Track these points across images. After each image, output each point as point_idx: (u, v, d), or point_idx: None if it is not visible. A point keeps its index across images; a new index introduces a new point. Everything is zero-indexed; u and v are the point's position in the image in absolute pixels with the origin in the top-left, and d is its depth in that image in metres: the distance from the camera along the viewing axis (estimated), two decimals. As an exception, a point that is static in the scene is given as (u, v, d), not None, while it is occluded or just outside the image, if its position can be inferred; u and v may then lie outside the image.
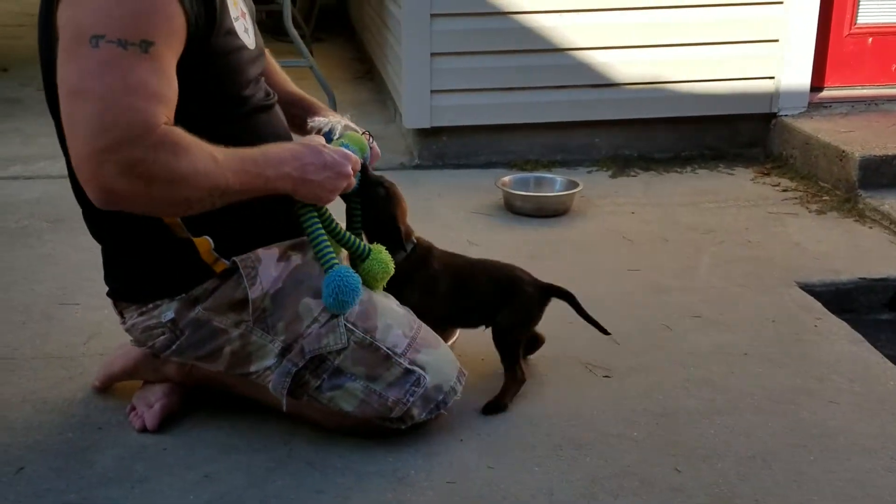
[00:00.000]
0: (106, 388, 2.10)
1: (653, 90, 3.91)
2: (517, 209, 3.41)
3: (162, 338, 1.80)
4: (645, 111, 3.95)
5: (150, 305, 1.79)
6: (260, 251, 1.78)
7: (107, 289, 1.89)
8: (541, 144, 4.02)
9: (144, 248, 1.76)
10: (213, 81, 1.66)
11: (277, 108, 1.89)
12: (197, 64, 1.59)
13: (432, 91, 3.87)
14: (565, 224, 3.27)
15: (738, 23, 3.86)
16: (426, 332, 1.91)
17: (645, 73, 3.89)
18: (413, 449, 1.89)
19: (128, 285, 1.83)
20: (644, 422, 2.01)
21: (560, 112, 3.94)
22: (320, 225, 1.77)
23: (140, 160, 1.45)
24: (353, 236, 1.84)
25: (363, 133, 1.92)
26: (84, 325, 2.45)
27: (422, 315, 1.94)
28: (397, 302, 1.95)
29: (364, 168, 1.85)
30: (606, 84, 3.89)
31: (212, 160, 1.53)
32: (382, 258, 1.84)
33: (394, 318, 1.85)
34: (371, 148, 1.93)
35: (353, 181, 1.77)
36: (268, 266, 1.77)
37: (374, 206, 1.90)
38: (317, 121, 1.92)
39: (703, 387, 2.16)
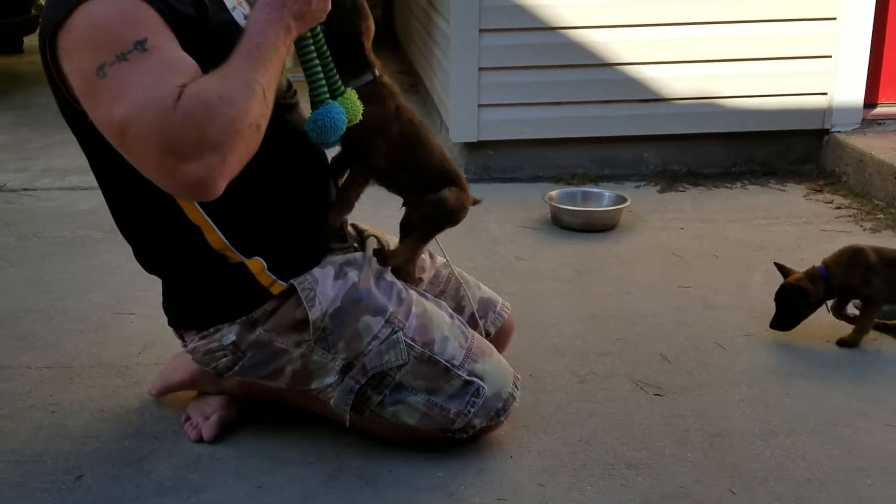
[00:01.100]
0: (162, 396, 2.13)
1: (703, 105, 3.89)
2: (565, 224, 3.40)
3: (224, 360, 1.82)
4: (694, 126, 3.92)
5: (211, 329, 1.81)
6: (316, 271, 1.79)
7: (160, 299, 1.92)
8: (588, 159, 4.02)
9: (200, 276, 1.78)
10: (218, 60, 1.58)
11: (300, 109, 1.87)
12: (200, 57, 1.55)
13: (480, 105, 3.88)
14: (613, 239, 3.26)
15: (790, 38, 3.83)
16: (479, 340, 1.92)
17: (695, 88, 3.86)
18: (463, 464, 1.89)
19: (187, 314, 1.85)
20: (698, 442, 1.98)
21: (608, 127, 3.93)
22: (316, 56, 1.68)
23: (188, 140, 1.43)
24: (333, 71, 1.73)
25: None
26: (139, 334, 2.49)
27: (373, 160, 1.81)
28: (448, 310, 1.95)
29: None
30: (655, 99, 3.88)
31: (231, 81, 1.48)
32: (354, 101, 1.72)
33: (449, 330, 1.86)
34: None
35: None
36: (325, 285, 1.78)
37: (338, 18, 1.71)
38: None
39: (757, 407, 2.13)
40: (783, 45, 3.83)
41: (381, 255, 1.90)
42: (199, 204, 1.69)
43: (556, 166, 4.02)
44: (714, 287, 2.83)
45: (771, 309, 2.48)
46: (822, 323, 2.56)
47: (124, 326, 2.55)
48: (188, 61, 1.51)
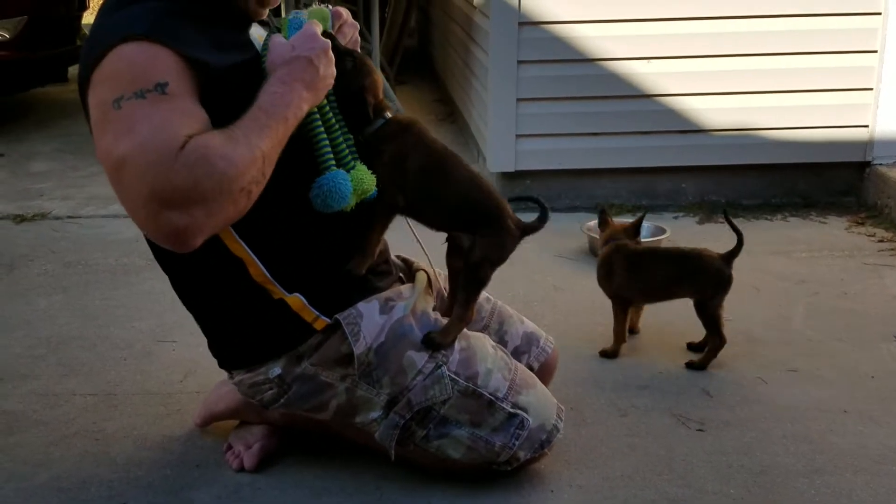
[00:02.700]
0: (207, 425, 2.14)
1: (742, 136, 3.87)
2: (603, 255, 3.38)
3: (269, 392, 1.83)
4: (734, 157, 3.91)
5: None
6: (361, 305, 1.80)
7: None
8: (626, 189, 4.01)
9: (242, 313, 1.80)
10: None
11: None
12: (230, 104, 1.59)
13: (517, 135, 3.90)
14: (652, 271, 3.24)
15: (831, 70, 3.81)
16: (523, 371, 1.92)
17: (735, 120, 3.85)
18: (503, 499, 1.88)
19: (236, 354, 1.87)
20: (741, 478, 1.96)
21: (646, 157, 3.93)
22: (322, 126, 1.71)
23: (180, 190, 1.45)
24: (344, 142, 1.75)
25: (329, 6, 1.82)
26: (181, 362, 2.52)
27: (387, 197, 1.80)
28: (491, 342, 1.96)
29: (331, 38, 1.73)
30: (694, 130, 3.87)
31: (236, 143, 1.50)
32: (363, 173, 1.73)
33: (493, 363, 1.86)
34: (342, 19, 1.83)
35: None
36: (370, 320, 1.79)
37: (342, 78, 1.74)
38: (275, 20, 1.87)
39: (801, 444, 2.11)
40: (824, 77, 3.82)
41: (434, 340, 1.83)
42: (242, 237, 1.71)
43: (593, 196, 4.02)
44: (755, 320, 2.80)
45: (816, 344, 2.45)
46: (865, 359, 2.53)
47: (167, 354, 2.58)
48: (201, 114, 1.54)
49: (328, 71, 1.66)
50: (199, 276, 1.79)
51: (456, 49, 5.38)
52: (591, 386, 2.38)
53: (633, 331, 2.71)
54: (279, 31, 1.77)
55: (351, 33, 1.83)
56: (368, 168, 1.76)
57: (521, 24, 3.75)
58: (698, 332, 2.56)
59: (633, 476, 1.97)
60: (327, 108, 1.73)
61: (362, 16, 6.27)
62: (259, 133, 1.54)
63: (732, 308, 2.88)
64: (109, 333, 2.72)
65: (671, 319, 2.81)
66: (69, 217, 3.83)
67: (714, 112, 3.85)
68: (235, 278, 1.75)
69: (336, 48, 1.71)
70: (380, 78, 1.83)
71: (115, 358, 2.56)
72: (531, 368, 2.10)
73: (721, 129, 3.87)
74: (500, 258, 1.88)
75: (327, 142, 1.72)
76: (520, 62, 3.80)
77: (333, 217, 1.77)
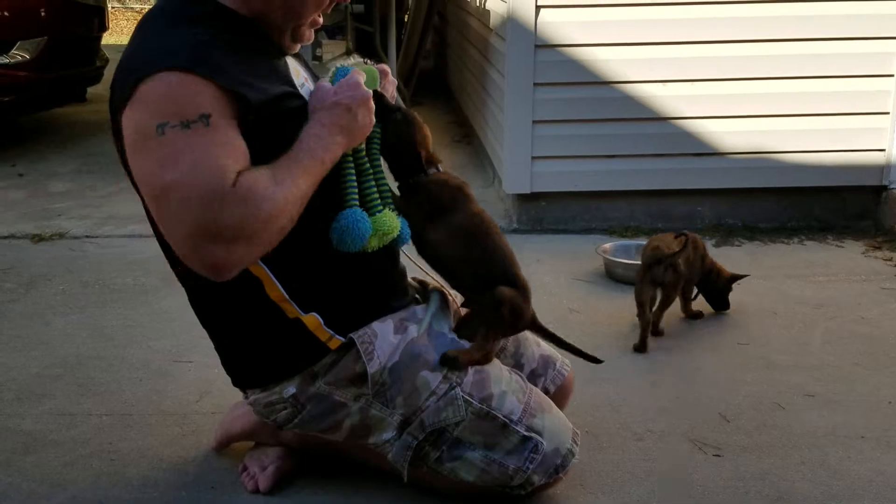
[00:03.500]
0: (224, 447, 2.15)
1: (758, 160, 3.87)
2: (618, 277, 3.38)
3: (284, 412, 1.84)
4: (750, 180, 3.90)
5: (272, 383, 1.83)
6: (375, 325, 1.81)
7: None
8: (642, 211, 4.01)
9: (257, 332, 1.81)
10: (285, 144, 1.67)
11: None
12: (268, 134, 1.62)
13: (533, 157, 3.91)
14: (668, 294, 3.23)
15: (847, 95, 3.81)
16: (537, 395, 1.92)
17: (750, 143, 3.85)
18: (518, 522, 1.88)
19: (249, 373, 1.88)
20: (758, 505, 1.95)
21: (662, 180, 3.93)
22: (353, 168, 1.76)
23: (226, 227, 1.50)
24: (373, 187, 1.79)
25: (374, 64, 1.88)
26: (197, 381, 2.52)
27: (419, 237, 1.87)
28: (507, 367, 1.95)
29: (380, 96, 1.81)
30: (710, 153, 3.87)
31: (280, 185, 1.56)
32: (384, 219, 1.77)
33: (507, 385, 1.86)
34: (384, 75, 1.88)
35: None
36: (384, 339, 1.80)
37: (393, 132, 1.83)
38: (323, 48, 1.93)
39: (818, 470, 2.09)
40: (840, 101, 3.81)
41: (450, 357, 1.84)
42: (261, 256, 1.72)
43: (608, 218, 4.02)
44: (773, 345, 2.78)
45: (833, 369, 2.44)
46: (883, 384, 2.51)
47: (183, 374, 2.58)
48: (242, 147, 1.58)
49: (366, 120, 1.72)
50: (216, 292, 1.80)
51: (472, 71, 5.41)
52: (606, 409, 2.37)
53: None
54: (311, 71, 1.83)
55: (390, 90, 1.91)
56: (406, 208, 1.85)
57: (537, 46, 3.76)
58: (713, 358, 2.55)
59: (649, 502, 1.96)
60: (363, 153, 1.79)
61: (379, 38, 6.33)
62: (300, 173, 1.60)
63: (750, 332, 2.88)
64: (126, 353, 2.73)
65: (685, 345, 2.81)
66: (87, 236, 3.86)
67: (730, 135, 3.85)
68: (252, 296, 1.76)
69: (385, 104, 1.81)
70: (429, 133, 1.91)
71: (132, 378, 2.56)
72: (547, 391, 2.09)
73: (737, 153, 3.87)
74: (517, 318, 1.90)
75: (355, 184, 1.76)
76: (536, 85, 3.81)
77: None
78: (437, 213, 1.87)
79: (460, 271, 1.91)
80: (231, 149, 1.55)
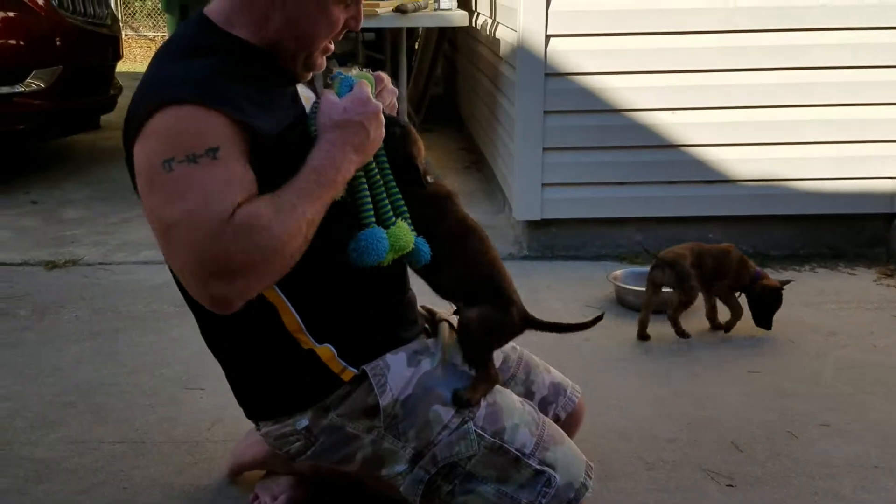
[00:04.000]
0: (236, 476, 2.15)
1: (769, 187, 3.87)
2: (629, 304, 3.38)
3: (297, 444, 1.83)
4: (760, 208, 3.90)
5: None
6: (388, 356, 1.81)
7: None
8: (653, 238, 4.01)
9: (271, 363, 1.81)
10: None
11: None
12: (279, 165, 1.62)
13: (543, 184, 3.92)
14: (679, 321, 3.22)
15: (858, 122, 3.81)
16: (551, 427, 1.90)
17: (761, 171, 3.86)
18: (531, 553, 1.86)
19: (263, 405, 1.87)
20: (772, 536, 1.94)
21: (672, 207, 3.93)
22: (366, 184, 1.74)
23: (228, 261, 1.50)
24: (386, 199, 1.78)
25: (371, 72, 1.85)
26: (209, 409, 2.53)
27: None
28: (519, 398, 1.95)
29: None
30: (721, 180, 3.87)
31: (282, 213, 1.54)
32: (399, 233, 1.75)
33: (520, 418, 1.85)
34: (383, 84, 1.86)
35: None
36: (397, 372, 1.79)
37: (391, 145, 1.80)
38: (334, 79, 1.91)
39: (831, 501, 2.08)
40: (851, 129, 3.82)
41: (462, 398, 1.81)
42: (277, 284, 1.73)
43: (619, 245, 4.02)
44: (785, 373, 2.78)
45: (846, 398, 2.43)
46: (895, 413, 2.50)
47: (195, 401, 2.59)
48: (250, 178, 1.57)
49: (377, 133, 1.70)
50: (230, 321, 1.80)
51: (482, 98, 5.44)
52: (617, 438, 2.36)
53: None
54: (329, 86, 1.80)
55: (389, 99, 1.87)
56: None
57: (547, 75, 3.79)
58: (725, 385, 2.54)
59: (662, 532, 1.95)
60: (374, 166, 1.76)
61: (390, 65, 6.36)
62: (307, 198, 1.58)
63: (762, 360, 2.87)
64: (138, 380, 2.74)
65: (697, 371, 2.80)
66: (100, 263, 3.88)
67: (741, 162, 3.85)
68: (268, 326, 1.76)
69: (386, 117, 1.75)
70: (422, 145, 1.89)
71: (144, 405, 2.57)
72: (558, 419, 2.09)
73: (748, 180, 3.87)
74: (495, 335, 1.89)
75: (370, 200, 1.75)
76: (546, 112, 3.83)
77: (368, 268, 1.78)
78: (426, 223, 1.84)
79: (442, 276, 1.89)
80: (238, 183, 1.55)
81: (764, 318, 3.07)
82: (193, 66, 1.63)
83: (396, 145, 1.81)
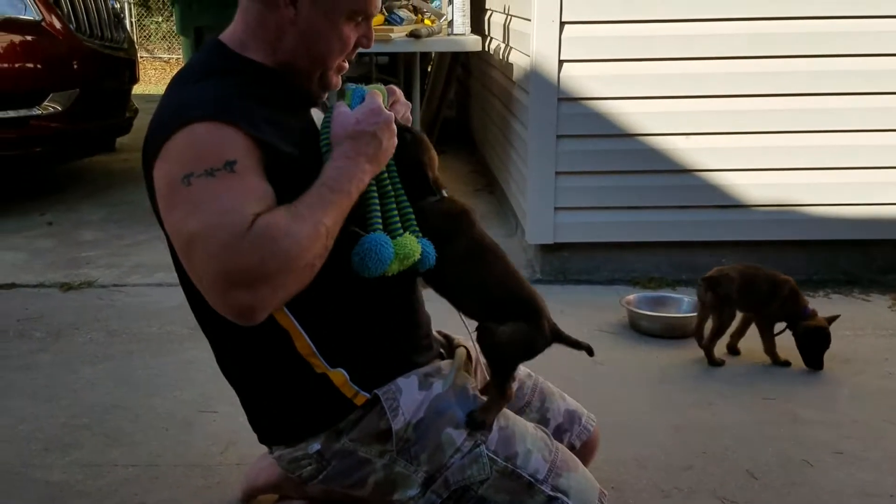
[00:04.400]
0: (249, 499, 2.15)
1: (783, 212, 3.87)
2: (643, 329, 3.38)
3: (309, 468, 1.83)
4: (774, 233, 3.90)
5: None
6: (400, 381, 1.81)
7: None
8: (666, 263, 4.01)
9: (284, 387, 1.81)
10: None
11: None
12: (293, 183, 1.62)
13: (556, 208, 3.93)
14: (694, 346, 3.21)
15: (872, 149, 3.81)
16: (564, 452, 1.89)
17: (775, 196, 3.85)
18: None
19: (276, 430, 1.88)
20: (788, 566, 1.92)
21: (686, 231, 3.93)
22: (376, 193, 1.74)
23: (248, 270, 1.50)
24: (395, 210, 1.77)
25: (387, 86, 1.87)
26: (222, 432, 2.53)
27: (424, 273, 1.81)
28: (532, 424, 1.94)
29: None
30: (734, 205, 3.87)
31: (301, 221, 1.55)
32: (405, 242, 1.73)
33: (533, 443, 1.84)
34: (395, 96, 1.87)
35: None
36: (408, 395, 1.79)
37: (401, 153, 1.78)
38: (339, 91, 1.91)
39: (849, 530, 2.06)
40: (866, 154, 3.82)
41: (476, 420, 1.80)
42: (289, 309, 1.74)
43: (632, 269, 4.02)
44: (800, 400, 2.76)
45: (861, 426, 2.41)
46: (916, 441, 2.48)
47: (208, 424, 2.60)
48: (268, 190, 1.59)
49: (390, 143, 1.71)
50: (243, 346, 1.82)
51: (495, 122, 5.46)
52: (632, 465, 2.35)
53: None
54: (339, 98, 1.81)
55: (403, 111, 1.88)
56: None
57: (560, 99, 3.80)
58: (740, 413, 2.52)
59: (677, 561, 1.94)
60: (385, 175, 1.77)
61: (403, 88, 6.41)
62: (324, 208, 1.59)
63: (777, 387, 2.86)
64: (152, 403, 2.74)
65: (711, 399, 2.79)
66: (114, 285, 3.90)
67: (754, 187, 3.85)
68: (280, 350, 1.77)
69: (395, 123, 1.75)
70: (436, 155, 1.87)
71: (157, 428, 2.58)
72: (573, 447, 2.08)
73: (761, 205, 3.87)
74: (526, 350, 1.86)
75: (378, 208, 1.74)
76: (559, 137, 3.84)
77: (379, 290, 1.78)
78: (441, 240, 1.81)
79: (466, 298, 1.87)
80: (256, 194, 1.56)
81: (813, 358, 3.03)
82: (209, 87, 1.65)
83: (407, 152, 1.80)
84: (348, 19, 1.72)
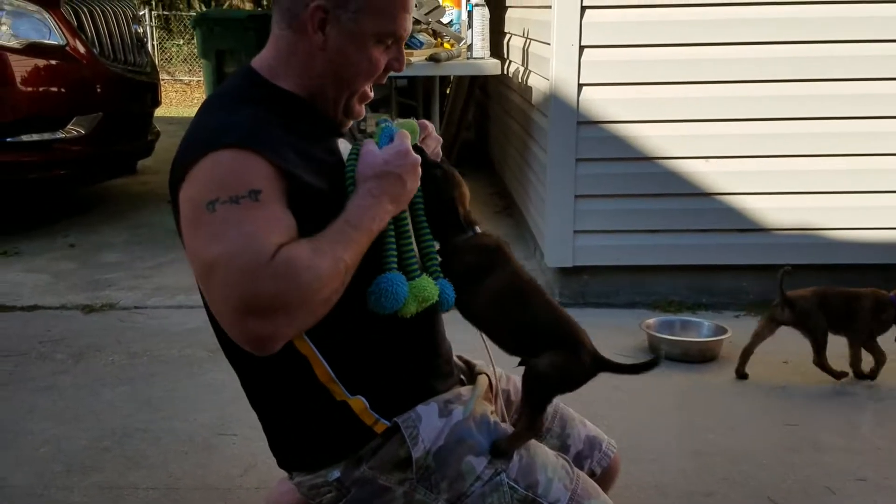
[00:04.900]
0: (267, 525, 2.14)
1: (804, 236, 3.85)
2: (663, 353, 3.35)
3: (328, 496, 1.83)
4: (796, 257, 3.86)
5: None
6: (420, 408, 1.80)
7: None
8: (685, 286, 3.99)
9: (304, 414, 1.80)
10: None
11: None
12: (317, 215, 1.63)
13: (575, 231, 3.92)
14: (714, 371, 3.20)
15: (891, 173, 3.79)
16: (585, 480, 1.88)
17: (796, 220, 3.84)
18: None
19: (296, 456, 1.87)
20: None
21: (706, 255, 3.92)
22: (393, 232, 1.73)
23: (267, 300, 1.51)
24: (413, 251, 1.76)
25: (415, 119, 1.87)
26: (241, 456, 2.54)
27: (460, 301, 1.79)
28: (553, 451, 1.93)
29: (420, 151, 1.77)
30: (755, 229, 3.86)
31: (322, 256, 1.56)
32: (424, 284, 1.73)
33: (553, 471, 1.83)
34: (426, 131, 1.87)
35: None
36: (428, 423, 1.78)
37: (433, 188, 1.79)
38: (367, 122, 1.92)
39: (873, 559, 2.04)
40: (885, 179, 3.80)
41: (500, 448, 1.78)
42: (308, 335, 1.74)
43: (652, 293, 4.01)
44: (822, 426, 2.74)
45: (885, 453, 2.39)
46: (941, 469, 2.45)
47: (228, 447, 2.60)
48: (290, 221, 1.59)
49: (414, 185, 1.72)
50: (264, 371, 1.82)
51: (514, 144, 5.48)
52: (653, 492, 2.34)
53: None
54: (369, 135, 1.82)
55: (434, 146, 1.89)
56: (444, 271, 1.79)
57: (579, 123, 3.81)
58: (761, 438, 2.50)
59: (699, 589, 1.92)
60: (405, 215, 1.77)
61: (422, 110, 6.43)
62: (345, 245, 1.60)
63: (798, 413, 2.84)
64: (172, 426, 2.76)
65: (732, 424, 2.77)
66: (136, 307, 3.93)
67: (775, 211, 3.84)
68: (300, 376, 1.77)
69: (426, 160, 1.77)
70: (467, 191, 1.87)
71: (177, 451, 2.59)
72: (593, 474, 2.06)
73: (782, 229, 3.85)
74: (565, 383, 1.82)
75: (395, 247, 1.75)
76: (578, 160, 3.85)
77: (400, 318, 1.78)
78: (476, 275, 1.81)
79: (504, 333, 1.85)
80: (278, 224, 1.57)
81: None
82: (239, 114, 1.67)
83: (438, 188, 1.81)
84: (377, 42, 1.74)
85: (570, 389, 1.84)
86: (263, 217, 1.56)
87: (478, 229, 1.86)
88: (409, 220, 1.78)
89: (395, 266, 1.73)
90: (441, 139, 1.94)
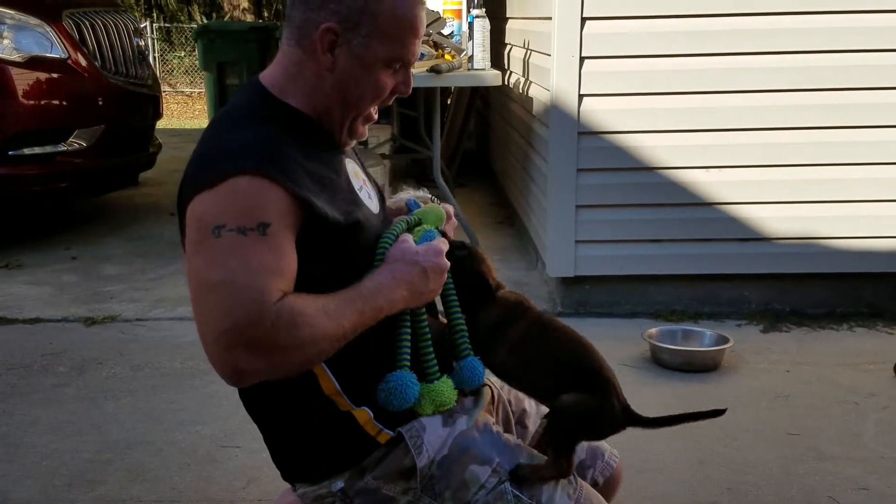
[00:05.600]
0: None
1: (806, 245, 3.85)
2: (664, 363, 3.36)
3: None
4: (797, 266, 3.87)
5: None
6: (423, 418, 1.81)
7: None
8: (687, 296, 3.99)
9: (308, 425, 1.80)
10: (342, 257, 1.70)
11: None
12: (327, 239, 1.65)
13: (577, 241, 3.93)
14: (715, 381, 3.20)
15: (894, 181, 3.79)
16: (587, 490, 1.88)
17: (798, 229, 3.84)
18: None
19: (300, 468, 1.87)
20: None
21: (707, 264, 3.92)
22: (409, 329, 1.76)
23: (261, 339, 1.52)
24: (431, 356, 1.78)
25: (433, 200, 1.93)
26: (244, 468, 2.53)
27: (486, 360, 1.84)
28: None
29: (443, 235, 1.84)
30: (756, 238, 3.86)
31: (326, 317, 1.58)
32: (441, 388, 1.76)
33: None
34: (451, 220, 1.93)
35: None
36: (432, 432, 1.79)
37: (461, 269, 1.84)
38: (394, 200, 1.96)
39: (878, 569, 2.03)
40: (889, 187, 3.80)
41: (520, 474, 1.76)
42: None
43: (653, 302, 4.01)
44: (825, 435, 2.73)
45: (888, 462, 2.38)
46: (945, 478, 2.45)
47: (230, 460, 2.60)
48: (292, 260, 1.60)
49: (436, 286, 1.75)
50: (268, 384, 1.82)
51: (515, 155, 5.49)
52: (657, 502, 2.34)
53: None
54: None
55: (451, 229, 1.94)
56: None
57: (580, 133, 3.82)
58: (764, 448, 2.50)
59: None
60: (423, 317, 1.80)
61: (423, 120, 6.46)
62: (351, 314, 1.62)
63: (801, 422, 2.83)
64: (174, 438, 2.75)
65: (735, 434, 2.76)
66: (137, 320, 3.93)
67: (776, 220, 3.84)
68: (305, 389, 1.77)
69: (451, 241, 1.83)
70: (492, 263, 1.93)
71: (180, 463, 2.59)
72: (595, 483, 2.06)
73: (784, 238, 3.85)
74: (589, 424, 1.79)
75: (409, 346, 1.78)
76: (579, 170, 3.85)
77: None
78: (498, 329, 1.85)
79: (534, 376, 1.85)
80: (279, 262, 1.57)
81: None
82: (252, 134, 1.66)
83: (466, 265, 1.87)
84: (386, 66, 1.74)
85: (596, 435, 1.84)
86: (267, 253, 1.56)
87: (500, 292, 1.92)
88: (426, 325, 1.80)
89: (408, 365, 1.76)
90: (457, 224, 2.00)
